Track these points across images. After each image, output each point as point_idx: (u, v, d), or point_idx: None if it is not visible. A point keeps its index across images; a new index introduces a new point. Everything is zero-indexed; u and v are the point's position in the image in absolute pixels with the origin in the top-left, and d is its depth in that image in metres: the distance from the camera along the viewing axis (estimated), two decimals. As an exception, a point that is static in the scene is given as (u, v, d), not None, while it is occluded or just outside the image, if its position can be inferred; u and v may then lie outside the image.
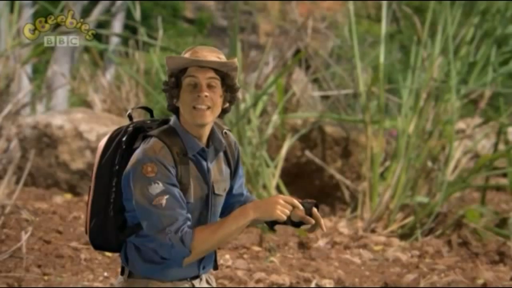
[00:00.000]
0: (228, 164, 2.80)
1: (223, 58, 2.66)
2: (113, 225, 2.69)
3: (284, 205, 2.55)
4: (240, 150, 2.85)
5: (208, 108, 2.62)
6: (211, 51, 2.65)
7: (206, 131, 2.69)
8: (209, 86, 2.63)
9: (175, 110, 2.70)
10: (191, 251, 2.59)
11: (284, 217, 2.55)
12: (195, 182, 2.67)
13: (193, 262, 2.69)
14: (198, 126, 2.65)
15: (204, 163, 2.70)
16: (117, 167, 2.68)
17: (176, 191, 2.59)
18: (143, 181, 2.58)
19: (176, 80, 2.65)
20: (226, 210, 2.85)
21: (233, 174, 2.83)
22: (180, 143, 2.65)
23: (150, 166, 2.57)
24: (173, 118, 2.71)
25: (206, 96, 2.61)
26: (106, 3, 11.60)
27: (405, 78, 8.21)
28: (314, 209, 2.68)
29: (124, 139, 2.70)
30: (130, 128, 2.72)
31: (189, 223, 2.60)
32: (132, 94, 9.36)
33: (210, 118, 2.64)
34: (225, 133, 2.79)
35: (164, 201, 2.57)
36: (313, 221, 2.68)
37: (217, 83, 2.64)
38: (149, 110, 2.87)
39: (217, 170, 2.75)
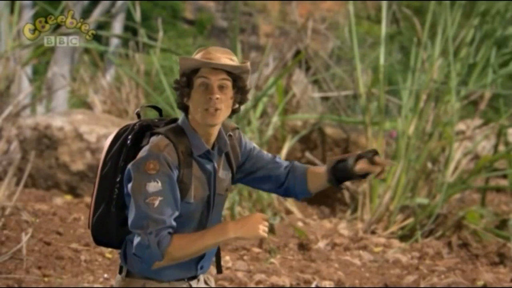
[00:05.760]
0: (230, 166, 2.80)
1: (235, 60, 2.67)
2: (114, 221, 2.70)
3: (264, 223, 2.57)
4: (244, 142, 2.83)
5: (219, 109, 2.64)
6: (223, 53, 2.66)
7: (215, 131, 2.70)
8: (220, 87, 2.64)
9: (185, 108, 2.70)
10: (163, 256, 2.58)
11: (266, 235, 2.57)
12: (197, 182, 2.68)
13: (190, 262, 2.70)
14: (208, 126, 2.66)
15: (210, 164, 2.71)
16: (122, 163, 2.68)
17: (172, 194, 2.60)
18: (143, 176, 2.58)
19: (188, 79, 2.66)
20: (276, 180, 2.84)
21: (239, 169, 2.83)
22: (187, 142, 2.66)
23: (152, 163, 2.58)
24: (181, 117, 2.72)
25: (217, 98, 2.62)
26: (106, 4, 11.60)
27: (405, 79, 8.21)
28: (377, 157, 2.72)
29: (130, 136, 2.71)
30: (137, 126, 2.73)
31: (171, 230, 2.59)
32: (132, 96, 9.35)
33: (220, 118, 2.65)
34: (230, 135, 2.79)
35: (157, 202, 2.57)
36: (378, 169, 2.72)
37: (228, 84, 2.65)
38: (158, 109, 2.88)
39: (219, 170, 2.76)
